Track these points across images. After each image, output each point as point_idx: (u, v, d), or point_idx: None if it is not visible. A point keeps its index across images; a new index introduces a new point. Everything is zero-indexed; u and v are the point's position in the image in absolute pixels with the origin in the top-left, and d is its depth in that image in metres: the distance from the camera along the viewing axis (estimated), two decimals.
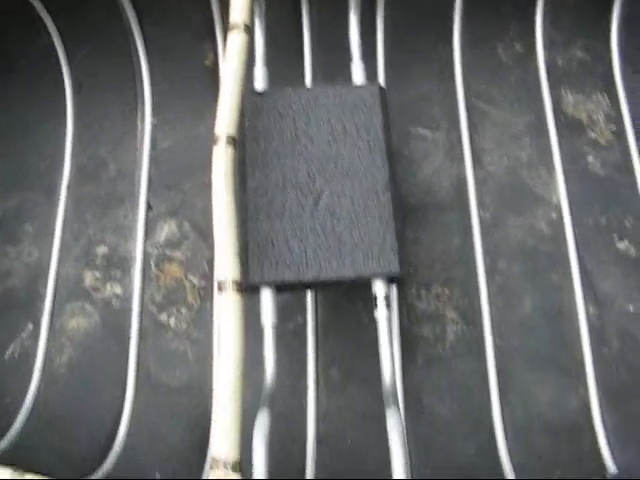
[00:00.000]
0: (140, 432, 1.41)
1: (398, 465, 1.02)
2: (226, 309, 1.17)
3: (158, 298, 1.52)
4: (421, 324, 1.47)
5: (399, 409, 1.11)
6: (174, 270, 1.54)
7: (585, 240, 1.51)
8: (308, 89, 1.52)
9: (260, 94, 1.34)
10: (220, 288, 1.19)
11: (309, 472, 1.34)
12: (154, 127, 1.64)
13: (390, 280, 1.24)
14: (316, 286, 1.35)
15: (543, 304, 1.47)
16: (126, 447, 1.38)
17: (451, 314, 1.48)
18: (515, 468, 1.33)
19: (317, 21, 1.65)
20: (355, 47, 1.40)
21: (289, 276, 1.20)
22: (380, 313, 1.20)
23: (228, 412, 1.11)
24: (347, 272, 1.20)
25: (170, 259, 1.55)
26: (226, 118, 1.22)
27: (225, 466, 1.09)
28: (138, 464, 1.37)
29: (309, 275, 1.20)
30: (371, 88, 1.33)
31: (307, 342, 1.44)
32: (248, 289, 1.21)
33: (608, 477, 1.30)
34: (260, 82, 1.37)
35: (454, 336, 1.46)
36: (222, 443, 1.10)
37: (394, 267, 1.21)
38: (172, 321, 1.50)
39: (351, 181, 1.26)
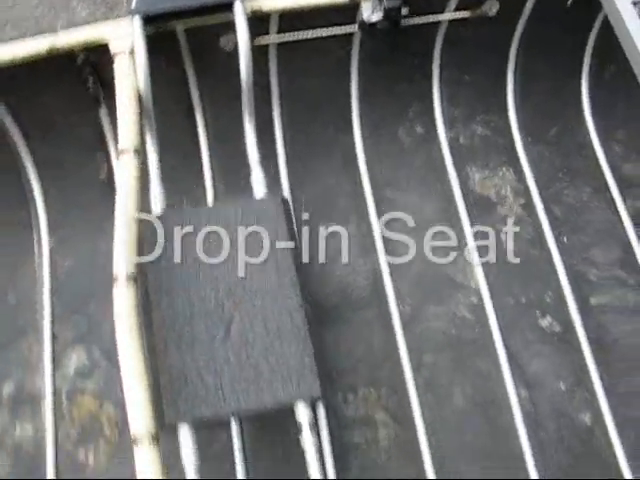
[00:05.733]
0: None
1: None
2: (143, 464, 1.10)
3: (73, 434, 1.43)
4: (352, 430, 1.41)
5: None
6: (88, 402, 1.45)
7: (508, 321, 1.48)
8: (208, 207, 1.46)
9: (158, 217, 1.27)
10: (136, 442, 1.11)
11: None
12: (52, 247, 1.55)
13: (314, 402, 1.18)
14: (237, 418, 1.28)
15: (474, 394, 1.43)
16: None
17: (381, 416, 1.42)
18: None
19: (213, 132, 1.59)
20: (253, 156, 1.36)
21: (206, 412, 1.14)
22: (306, 439, 1.14)
23: None
24: (267, 401, 1.15)
25: (82, 390, 1.46)
26: (123, 253, 1.15)
27: None
28: None
29: (227, 409, 1.14)
30: (273, 201, 1.29)
31: (236, 468, 1.35)
32: (165, 429, 1.14)
33: None
34: (157, 204, 1.31)
35: (387, 440, 1.40)
36: None
37: (315, 390, 1.16)
38: (90, 457, 1.40)
39: (262, 302, 1.21)
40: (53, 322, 1.50)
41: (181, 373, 1.16)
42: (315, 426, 1.18)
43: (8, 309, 1.53)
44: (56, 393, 1.45)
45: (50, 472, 1.38)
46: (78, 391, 1.47)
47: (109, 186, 1.56)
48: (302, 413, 1.16)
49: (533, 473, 1.35)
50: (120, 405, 1.44)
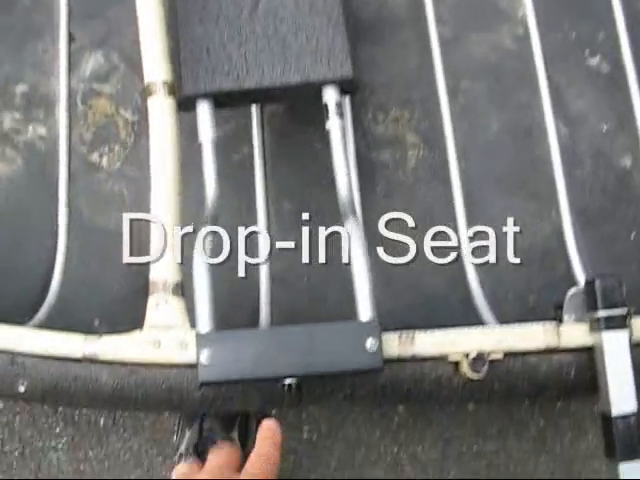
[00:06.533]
0: (76, 280, 1.27)
1: (361, 280, 0.91)
2: (158, 114, 1.04)
3: (87, 137, 1.37)
4: (379, 150, 1.35)
5: (358, 220, 0.99)
6: (103, 105, 1.38)
7: (554, 56, 1.37)
8: None
9: None
10: (150, 92, 1.05)
11: (264, 313, 1.23)
12: None
13: (342, 88, 1.10)
14: (260, 98, 1.20)
15: (511, 124, 1.36)
16: (61, 297, 1.25)
17: (412, 138, 1.36)
18: (487, 297, 1.23)
19: None
20: None
21: (227, 84, 1.06)
22: (332, 123, 1.07)
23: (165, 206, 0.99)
24: (293, 77, 1.07)
25: (98, 94, 1.39)
26: None
27: (164, 288, 0.97)
28: (75, 314, 1.24)
29: (250, 82, 1.06)
30: None
31: (255, 174, 1.29)
32: (183, 103, 1.07)
33: None
34: None
35: (416, 161, 1.34)
36: (160, 260, 0.98)
37: (346, 70, 1.07)
38: (104, 160, 1.35)
39: None
40: (70, 24, 1.41)
41: (203, 44, 1.09)
42: (342, 116, 1.11)
43: (22, 9, 1.44)
44: (71, 96, 1.38)
45: (63, 171, 1.33)
46: (94, 94, 1.40)
47: None
48: (330, 96, 1.09)
49: (565, 212, 1.28)
50: (137, 110, 1.37)
